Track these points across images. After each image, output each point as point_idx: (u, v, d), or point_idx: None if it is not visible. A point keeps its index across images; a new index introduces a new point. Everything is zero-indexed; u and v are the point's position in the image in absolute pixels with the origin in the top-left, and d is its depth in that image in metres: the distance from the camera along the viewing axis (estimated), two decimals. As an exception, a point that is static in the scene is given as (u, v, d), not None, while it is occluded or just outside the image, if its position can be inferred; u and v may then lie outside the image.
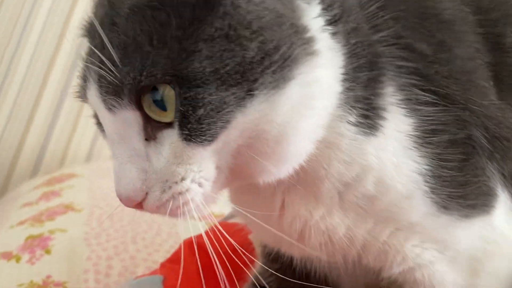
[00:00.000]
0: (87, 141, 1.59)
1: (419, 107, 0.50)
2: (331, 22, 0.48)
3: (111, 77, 0.41)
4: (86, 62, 0.46)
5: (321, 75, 0.46)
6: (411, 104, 0.50)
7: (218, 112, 0.41)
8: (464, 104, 0.52)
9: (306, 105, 0.45)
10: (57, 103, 1.59)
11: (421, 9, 0.57)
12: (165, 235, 0.90)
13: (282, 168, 0.47)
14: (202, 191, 0.45)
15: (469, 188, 0.51)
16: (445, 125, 0.51)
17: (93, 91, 0.44)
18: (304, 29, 0.45)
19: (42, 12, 1.61)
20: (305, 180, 0.51)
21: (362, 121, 0.49)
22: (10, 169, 1.53)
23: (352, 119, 0.49)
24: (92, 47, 0.44)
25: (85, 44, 0.51)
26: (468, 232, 0.52)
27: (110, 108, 0.43)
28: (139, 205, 0.45)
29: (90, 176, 1.20)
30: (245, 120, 0.42)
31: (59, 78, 1.59)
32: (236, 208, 0.55)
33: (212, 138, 0.42)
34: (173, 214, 0.46)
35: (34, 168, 1.54)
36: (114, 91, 0.42)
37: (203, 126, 0.41)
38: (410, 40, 0.52)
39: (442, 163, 0.50)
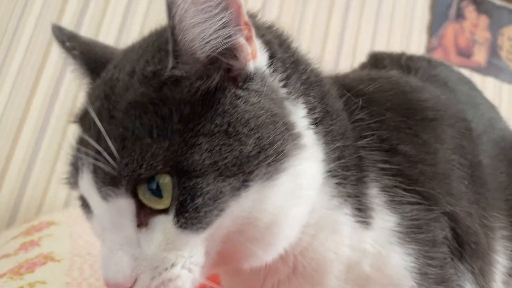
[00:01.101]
0: (65, 187, 1.58)
1: (402, 206, 0.54)
2: (313, 123, 0.53)
3: (108, 168, 0.43)
4: (79, 152, 0.47)
5: (307, 167, 0.50)
6: (395, 204, 0.54)
7: (215, 201, 0.43)
8: (445, 209, 0.56)
9: (295, 195, 0.48)
10: (32, 150, 1.58)
11: (406, 104, 0.62)
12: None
13: (270, 252, 0.49)
14: (192, 277, 0.46)
15: (449, 285, 0.55)
16: (428, 224, 0.55)
17: (86, 180, 0.46)
18: (293, 125, 0.49)
19: (15, 62, 1.62)
20: (307, 266, 0.53)
21: (357, 213, 0.53)
22: (-14, 219, 1.51)
23: (348, 211, 0.53)
24: (88, 138, 0.45)
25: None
26: None
27: (105, 198, 0.45)
28: None
29: (69, 223, 1.20)
30: (239, 208, 0.45)
31: (34, 125, 1.59)
32: None
33: (206, 226, 0.44)
34: None
35: (11, 217, 1.52)
36: (110, 181, 0.44)
37: (200, 214, 0.43)
38: (394, 142, 0.57)
39: (428, 261, 0.53)
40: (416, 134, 0.59)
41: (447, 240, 0.56)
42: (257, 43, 0.51)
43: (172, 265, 0.45)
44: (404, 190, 0.55)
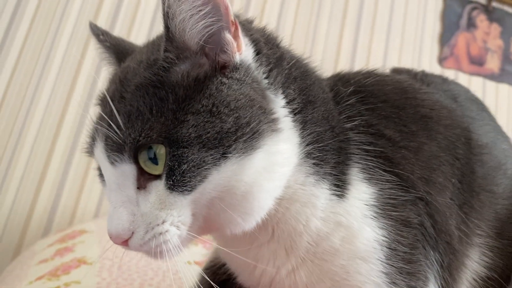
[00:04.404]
0: (94, 199, 1.69)
1: (380, 183, 0.59)
2: (292, 112, 0.60)
3: (116, 137, 0.52)
4: (96, 125, 0.57)
5: (282, 147, 0.57)
6: (373, 180, 0.59)
7: (198, 168, 0.51)
8: (422, 195, 0.60)
9: (269, 170, 0.55)
10: (64, 168, 1.70)
11: (402, 100, 0.66)
12: (169, 281, 0.98)
13: (247, 220, 0.56)
14: (178, 233, 0.54)
15: (416, 268, 0.58)
16: (404, 205, 0.59)
17: (99, 148, 0.55)
18: (271, 111, 0.57)
19: (48, 84, 1.74)
20: (281, 236, 0.60)
21: (334, 188, 0.59)
22: (24, 230, 1.62)
23: (326, 186, 0.59)
24: (103, 114, 0.55)
25: (90, 111, 0.63)
26: None
27: (112, 162, 0.54)
28: (126, 243, 0.54)
29: (99, 231, 1.29)
30: (219, 176, 0.52)
31: (65, 145, 1.71)
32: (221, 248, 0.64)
33: (191, 189, 0.52)
34: (155, 252, 0.54)
35: (46, 228, 1.63)
36: (117, 148, 0.53)
37: (185, 178, 0.51)
38: (382, 127, 0.62)
39: (398, 238, 0.58)
40: (405, 124, 0.64)
41: (423, 227, 0.60)
42: (245, 40, 0.59)
43: (163, 222, 0.53)
44: (384, 171, 0.60)
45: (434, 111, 0.67)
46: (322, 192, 0.59)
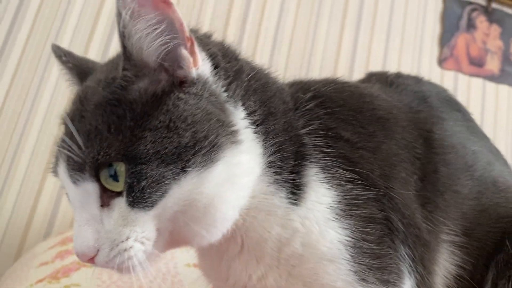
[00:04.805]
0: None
1: (341, 183, 0.60)
2: (254, 124, 0.60)
3: (77, 157, 0.53)
4: (59, 146, 0.57)
5: (243, 159, 0.58)
6: (334, 180, 0.60)
7: (158, 184, 0.52)
8: (384, 191, 0.61)
9: (229, 181, 0.56)
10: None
11: (359, 104, 0.68)
12: (169, 283, 0.99)
13: (212, 232, 0.57)
14: (143, 249, 0.54)
15: (385, 262, 0.59)
16: (366, 202, 0.60)
17: (62, 168, 0.56)
18: (230, 124, 0.57)
19: (49, 86, 1.75)
20: (250, 244, 0.61)
21: (290, 196, 0.60)
22: (25, 232, 1.63)
23: (283, 194, 0.60)
24: (64, 135, 0.56)
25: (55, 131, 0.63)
26: None
27: (74, 182, 0.54)
28: (92, 260, 0.54)
29: (99, 233, 1.30)
30: (180, 191, 0.53)
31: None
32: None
33: (152, 205, 0.52)
34: (120, 268, 0.54)
35: (47, 230, 1.64)
36: (78, 167, 0.53)
37: (145, 194, 0.52)
38: (339, 130, 0.63)
39: (363, 235, 0.59)
40: (362, 126, 0.65)
41: (390, 222, 0.60)
42: (201, 55, 0.59)
43: (127, 238, 0.53)
44: (344, 169, 0.60)
45: (391, 114, 0.69)
46: (280, 201, 0.60)
